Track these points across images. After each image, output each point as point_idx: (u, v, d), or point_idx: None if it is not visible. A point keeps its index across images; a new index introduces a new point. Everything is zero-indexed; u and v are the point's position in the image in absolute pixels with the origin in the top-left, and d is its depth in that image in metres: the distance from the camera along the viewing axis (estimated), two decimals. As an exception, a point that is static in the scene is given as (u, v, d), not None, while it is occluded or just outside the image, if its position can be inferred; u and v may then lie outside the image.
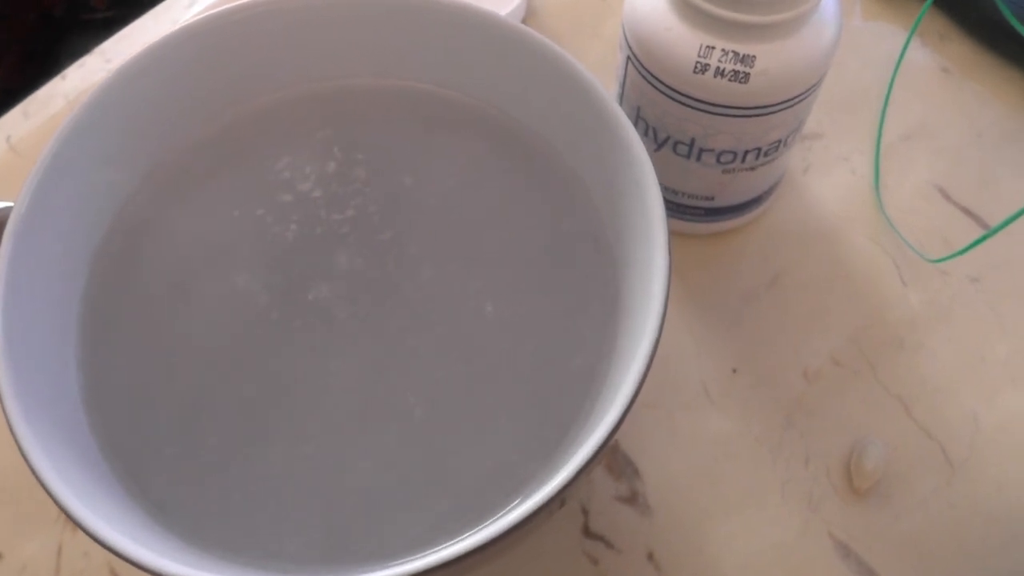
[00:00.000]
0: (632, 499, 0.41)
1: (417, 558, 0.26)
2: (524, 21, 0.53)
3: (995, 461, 0.42)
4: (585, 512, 0.40)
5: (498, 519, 0.27)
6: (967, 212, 0.48)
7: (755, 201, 0.44)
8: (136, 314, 0.35)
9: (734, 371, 0.43)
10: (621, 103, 0.41)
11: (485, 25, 0.36)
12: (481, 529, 0.27)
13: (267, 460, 0.32)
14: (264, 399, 0.34)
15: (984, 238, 0.44)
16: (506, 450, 0.32)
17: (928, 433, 0.42)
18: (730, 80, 0.37)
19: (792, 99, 0.38)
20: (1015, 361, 0.44)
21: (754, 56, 0.36)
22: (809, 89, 0.38)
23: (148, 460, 0.32)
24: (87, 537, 0.27)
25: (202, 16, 0.36)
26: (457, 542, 0.26)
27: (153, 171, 0.38)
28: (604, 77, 0.37)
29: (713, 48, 0.36)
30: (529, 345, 0.34)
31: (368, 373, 0.34)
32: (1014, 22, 0.49)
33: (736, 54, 0.36)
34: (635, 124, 0.36)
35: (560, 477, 0.26)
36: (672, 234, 0.45)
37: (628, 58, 0.39)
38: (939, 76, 0.52)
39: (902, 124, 0.50)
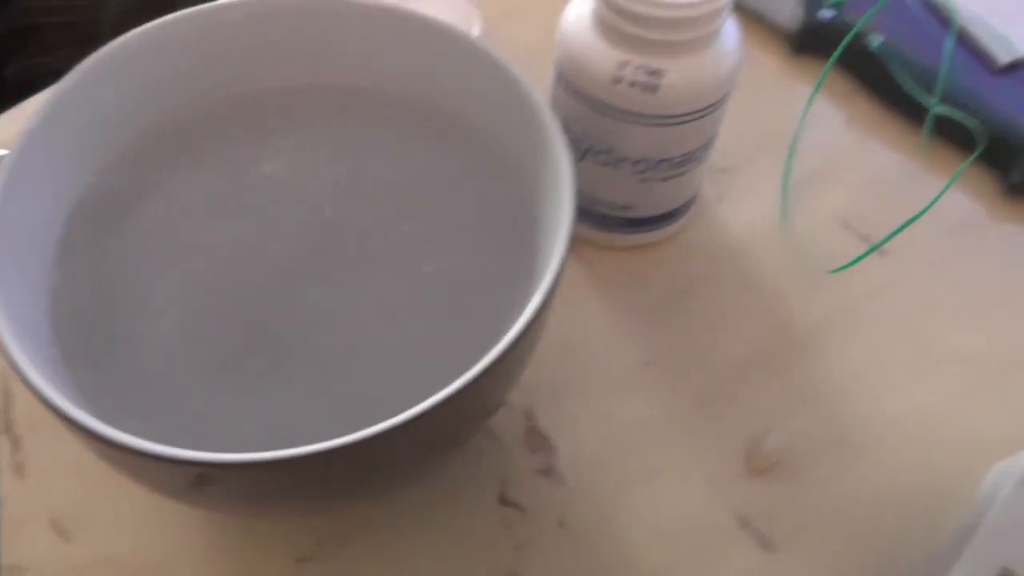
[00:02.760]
0: (547, 471, 0.44)
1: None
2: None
3: (889, 451, 0.46)
4: (503, 483, 0.44)
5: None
6: (865, 239, 0.53)
7: (670, 215, 0.49)
8: (107, 250, 0.39)
9: (647, 364, 0.47)
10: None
11: (440, 34, 0.42)
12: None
13: (219, 384, 0.36)
14: (228, 327, 0.38)
15: (871, 250, 0.49)
16: (452, 349, 0.36)
17: (828, 423, 0.46)
18: (641, 91, 0.42)
19: (698, 111, 0.43)
20: (909, 365, 0.48)
21: (663, 70, 0.42)
22: (712, 105, 0.44)
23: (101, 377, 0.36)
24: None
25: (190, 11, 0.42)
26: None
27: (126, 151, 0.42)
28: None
29: (628, 62, 0.42)
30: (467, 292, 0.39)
31: (329, 308, 0.39)
32: (907, 86, 0.55)
33: (647, 68, 0.42)
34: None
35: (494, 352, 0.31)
36: (594, 245, 0.51)
37: (557, 77, 0.45)
38: (843, 127, 0.59)
39: (809, 165, 0.56)
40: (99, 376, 0.36)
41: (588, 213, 0.48)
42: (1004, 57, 0.59)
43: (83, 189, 0.41)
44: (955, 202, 0.54)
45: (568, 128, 0.44)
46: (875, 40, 0.59)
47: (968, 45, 0.60)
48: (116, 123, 0.42)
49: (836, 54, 0.57)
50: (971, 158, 0.52)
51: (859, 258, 0.49)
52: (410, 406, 0.30)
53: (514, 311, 0.33)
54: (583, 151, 0.46)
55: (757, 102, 0.58)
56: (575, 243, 0.40)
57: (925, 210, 0.49)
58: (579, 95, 0.44)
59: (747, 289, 0.51)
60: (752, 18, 0.62)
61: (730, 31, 0.44)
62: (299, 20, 0.43)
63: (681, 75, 0.42)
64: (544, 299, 0.32)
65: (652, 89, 0.42)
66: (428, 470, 0.39)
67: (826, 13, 0.60)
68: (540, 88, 0.40)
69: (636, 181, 0.46)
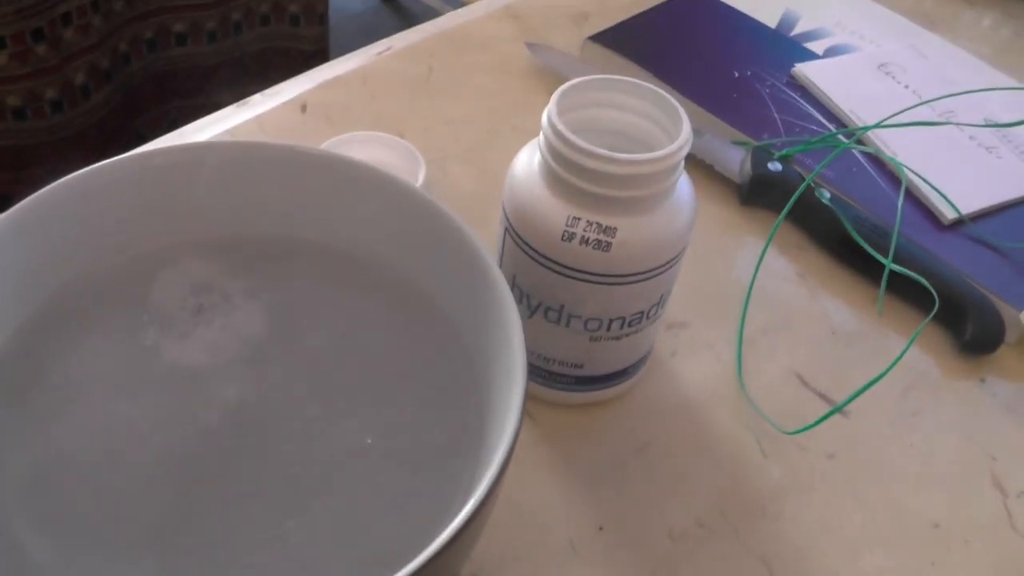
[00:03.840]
0: (498, 650, 0.41)
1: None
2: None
3: (850, 625, 0.43)
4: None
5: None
6: (823, 396, 0.52)
7: (623, 373, 0.48)
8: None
9: (600, 529, 0.45)
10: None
11: (379, 184, 0.40)
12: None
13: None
14: (144, 515, 0.35)
15: (832, 413, 0.48)
16: (394, 531, 0.33)
17: (786, 594, 0.44)
18: (594, 248, 0.41)
19: (651, 271, 0.42)
20: (869, 528, 0.47)
21: (615, 228, 0.41)
22: (667, 263, 0.43)
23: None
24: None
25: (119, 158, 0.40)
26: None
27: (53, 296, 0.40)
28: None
29: (579, 219, 0.41)
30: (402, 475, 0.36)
31: (249, 499, 0.35)
32: (859, 240, 0.55)
33: (600, 225, 0.41)
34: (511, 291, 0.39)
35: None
36: (544, 403, 0.49)
37: (506, 229, 0.44)
38: (796, 280, 0.58)
39: (763, 319, 0.55)
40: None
41: (538, 370, 0.47)
42: (949, 214, 0.59)
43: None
44: (909, 359, 0.53)
45: (517, 284, 0.43)
46: (824, 194, 0.58)
47: (914, 202, 0.60)
48: (26, 283, 0.39)
49: (788, 206, 0.56)
50: (928, 318, 0.52)
51: (821, 419, 0.48)
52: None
53: (462, 485, 0.31)
54: (533, 307, 0.44)
55: (708, 253, 0.57)
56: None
57: (886, 371, 0.48)
58: (528, 249, 0.42)
59: (703, 449, 0.49)
60: (700, 168, 0.62)
61: (684, 186, 0.43)
62: (228, 168, 0.41)
63: (635, 233, 0.41)
64: (495, 478, 0.30)
65: (604, 247, 0.41)
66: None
67: (775, 165, 0.60)
68: (486, 236, 0.39)
69: (587, 339, 0.44)
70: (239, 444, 0.36)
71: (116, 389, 0.38)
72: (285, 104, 0.64)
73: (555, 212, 0.41)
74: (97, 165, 0.39)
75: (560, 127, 0.40)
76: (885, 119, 0.62)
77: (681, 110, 0.41)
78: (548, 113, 0.41)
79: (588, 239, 0.41)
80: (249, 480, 0.36)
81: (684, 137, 0.40)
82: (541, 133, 0.42)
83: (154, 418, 0.37)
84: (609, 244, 0.41)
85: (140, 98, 1.41)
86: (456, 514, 0.30)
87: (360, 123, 0.61)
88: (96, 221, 0.40)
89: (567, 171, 0.40)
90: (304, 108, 0.64)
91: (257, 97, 0.65)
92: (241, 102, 0.64)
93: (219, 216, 0.42)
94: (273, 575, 0.33)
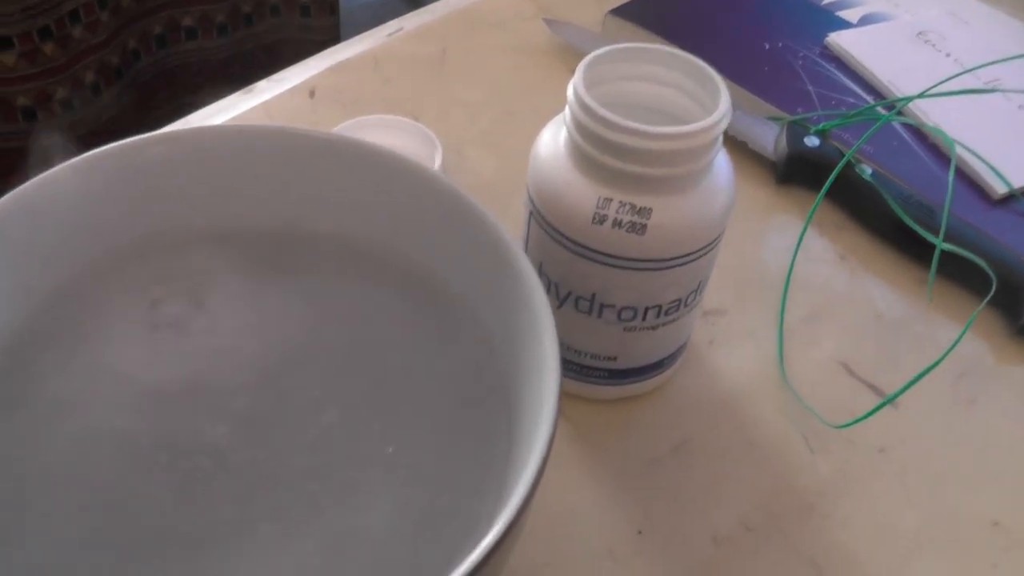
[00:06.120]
0: (532, 668, 0.38)
1: None
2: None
3: (911, 633, 0.40)
4: None
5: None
6: (871, 387, 0.49)
7: (659, 365, 0.44)
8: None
9: (639, 533, 0.42)
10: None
11: (395, 168, 0.37)
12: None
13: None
14: (140, 550, 0.31)
15: (883, 404, 0.44)
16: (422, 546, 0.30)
17: (841, 601, 0.41)
18: (627, 231, 0.38)
19: (689, 255, 0.39)
20: (925, 531, 0.43)
21: (650, 208, 0.37)
22: (706, 247, 0.39)
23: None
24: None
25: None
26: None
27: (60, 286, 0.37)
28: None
29: (611, 200, 0.38)
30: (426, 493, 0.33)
31: (262, 522, 0.32)
32: (906, 219, 0.52)
33: (633, 206, 0.37)
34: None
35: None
36: (576, 398, 0.45)
37: (531, 213, 0.40)
38: (836, 262, 0.54)
39: (804, 305, 0.52)
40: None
41: (569, 364, 0.43)
42: (1000, 189, 0.56)
43: None
44: (961, 345, 0.50)
45: (544, 273, 0.40)
46: (865, 170, 0.55)
47: (961, 177, 0.57)
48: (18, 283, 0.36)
49: (828, 184, 0.53)
50: (985, 301, 0.48)
51: (872, 411, 0.44)
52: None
53: (491, 497, 0.28)
54: (562, 297, 0.41)
55: (743, 235, 0.54)
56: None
57: (942, 358, 0.44)
58: (556, 235, 0.39)
59: (745, 444, 0.45)
60: (733, 145, 0.58)
61: (722, 164, 0.40)
62: (234, 154, 0.38)
63: (671, 214, 0.38)
64: (529, 489, 0.27)
65: (639, 230, 0.37)
66: None
67: (811, 141, 0.57)
68: (509, 223, 0.36)
69: (620, 330, 0.41)
70: (249, 458, 0.33)
71: (112, 399, 0.35)
72: (293, 90, 0.61)
73: (584, 194, 0.38)
74: (86, 155, 0.36)
75: (588, 101, 0.37)
76: (927, 89, 0.58)
77: (719, 79, 0.38)
78: (574, 86, 0.38)
79: (621, 222, 0.38)
80: (261, 499, 0.32)
81: (724, 108, 0.37)
82: (566, 108, 0.39)
83: (154, 431, 0.34)
84: (644, 227, 0.37)
85: (151, 95, 1.39)
86: (487, 530, 0.27)
87: (372, 108, 0.58)
88: (92, 214, 0.37)
89: (597, 149, 0.37)
90: (312, 93, 0.61)
91: (263, 84, 0.62)
92: (246, 89, 0.61)
93: (224, 206, 0.39)
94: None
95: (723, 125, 0.37)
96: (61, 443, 0.34)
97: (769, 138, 0.58)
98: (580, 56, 0.39)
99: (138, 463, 0.34)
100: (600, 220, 0.38)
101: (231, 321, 0.38)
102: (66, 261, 0.37)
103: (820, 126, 0.58)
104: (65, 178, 0.35)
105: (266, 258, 0.39)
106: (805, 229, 0.53)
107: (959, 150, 0.56)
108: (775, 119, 0.59)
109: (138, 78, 1.36)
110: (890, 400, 0.45)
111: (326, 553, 0.31)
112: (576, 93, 0.37)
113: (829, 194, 0.54)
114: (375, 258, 0.38)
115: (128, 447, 0.34)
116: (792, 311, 0.51)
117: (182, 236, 0.39)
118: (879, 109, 0.60)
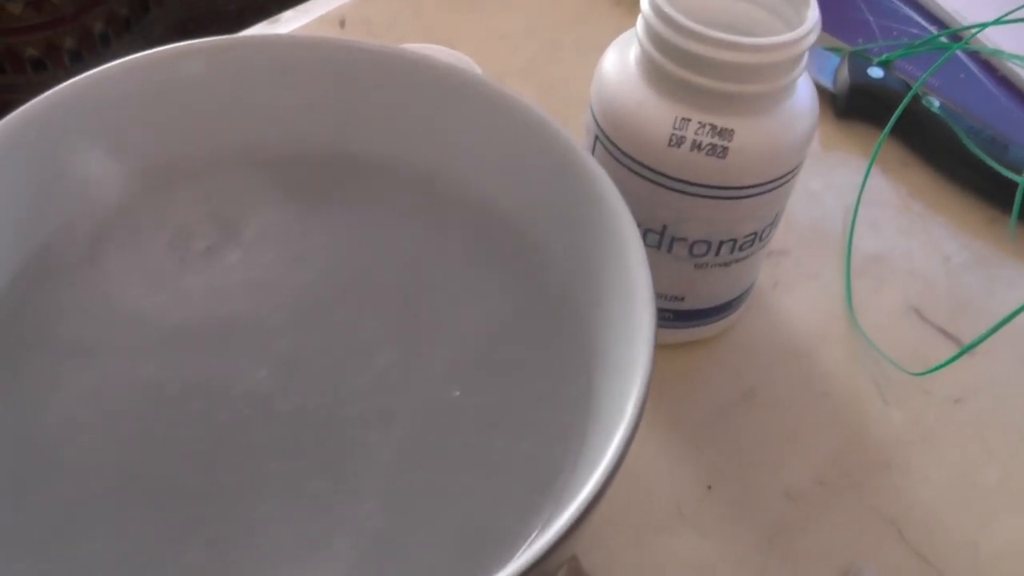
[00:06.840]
0: (598, 629, 0.35)
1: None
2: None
3: (998, 593, 0.37)
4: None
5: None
6: (944, 332, 0.45)
7: (727, 307, 0.41)
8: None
9: (709, 488, 0.39)
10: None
11: (461, 86, 0.33)
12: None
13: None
14: (176, 506, 0.28)
15: (964, 351, 0.41)
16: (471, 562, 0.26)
17: (925, 559, 0.38)
18: (707, 154, 0.34)
19: (770, 182, 0.36)
20: (1006, 487, 0.40)
21: (732, 130, 0.34)
22: (788, 174, 0.36)
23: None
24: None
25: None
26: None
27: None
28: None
29: (689, 120, 0.34)
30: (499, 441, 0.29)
31: (312, 478, 0.29)
32: (980, 154, 0.48)
33: (714, 127, 0.34)
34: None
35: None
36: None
37: (596, 138, 0.37)
38: (903, 201, 0.51)
39: (870, 246, 0.48)
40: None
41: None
42: (1078, 123, 0.52)
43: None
44: (1041, 287, 0.46)
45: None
46: (933, 103, 0.51)
47: (1037, 110, 0.53)
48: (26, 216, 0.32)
49: (895, 118, 0.49)
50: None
51: (951, 359, 0.41)
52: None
53: (572, 447, 0.24)
54: (629, 230, 0.37)
55: (804, 171, 0.50)
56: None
57: (1030, 302, 0.41)
58: (626, 160, 0.36)
59: (816, 394, 0.42)
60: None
61: (805, 85, 0.36)
62: (274, 69, 0.34)
63: (754, 136, 0.34)
64: (623, 445, 0.24)
65: (720, 153, 0.34)
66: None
67: (875, 72, 0.53)
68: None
69: (691, 267, 0.38)
70: (295, 405, 0.30)
71: (137, 340, 0.31)
72: (321, 19, 0.58)
73: (659, 114, 0.34)
74: (109, 64, 0.32)
75: (667, 8, 0.33)
76: (1002, 16, 0.54)
77: (809, -13, 0.34)
78: (650, -4, 0.34)
79: (701, 144, 0.34)
80: (310, 452, 0.29)
81: (813, 19, 0.34)
82: (639, 22, 0.35)
83: (185, 375, 0.30)
84: (725, 149, 0.34)
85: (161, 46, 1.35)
86: (566, 483, 0.23)
87: (406, 39, 0.54)
88: (113, 131, 0.33)
89: (676, 63, 0.33)
90: (343, 24, 0.57)
91: (289, 14, 0.58)
92: (272, 19, 0.58)
93: (266, 127, 0.35)
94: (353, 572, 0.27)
95: (813, 36, 0.34)
96: (82, 389, 0.31)
97: (829, 70, 0.54)
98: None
99: (167, 410, 0.30)
100: (677, 142, 0.34)
101: (271, 253, 0.34)
102: (85, 185, 0.34)
103: (883, 57, 0.54)
104: (83, 90, 0.32)
105: (310, 184, 0.35)
106: (871, 166, 0.50)
107: (1033, 83, 0.53)
108: (834, 50, 0.55)
109: (148, 30, 1.32)
110: (972, 346, 0.42)
111: (390, 515, 0.27)
112: (654, 4, 0.34)
113: (893, 129, 0.51)
114: (434, 187, 0.35)
115: (156, 392, 0.31)
116: (857, 252, 0.47)
117: (216, 158, 0.35)
118: (943, 39, 0.56)
